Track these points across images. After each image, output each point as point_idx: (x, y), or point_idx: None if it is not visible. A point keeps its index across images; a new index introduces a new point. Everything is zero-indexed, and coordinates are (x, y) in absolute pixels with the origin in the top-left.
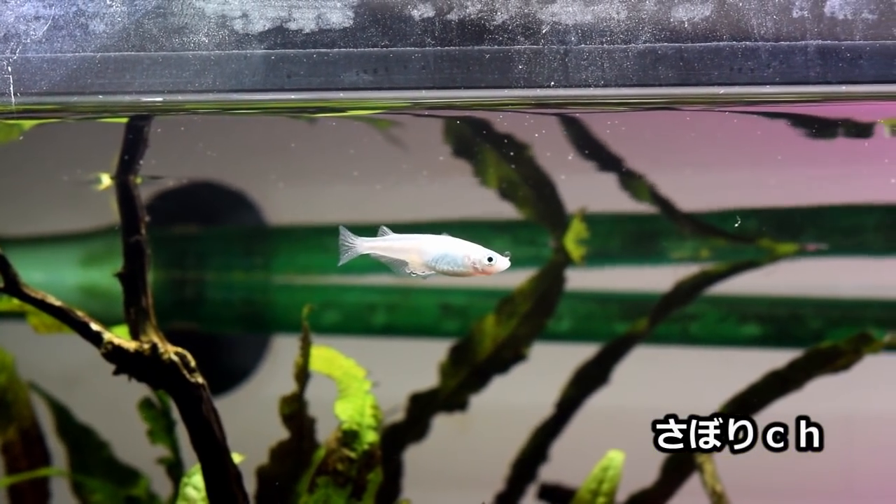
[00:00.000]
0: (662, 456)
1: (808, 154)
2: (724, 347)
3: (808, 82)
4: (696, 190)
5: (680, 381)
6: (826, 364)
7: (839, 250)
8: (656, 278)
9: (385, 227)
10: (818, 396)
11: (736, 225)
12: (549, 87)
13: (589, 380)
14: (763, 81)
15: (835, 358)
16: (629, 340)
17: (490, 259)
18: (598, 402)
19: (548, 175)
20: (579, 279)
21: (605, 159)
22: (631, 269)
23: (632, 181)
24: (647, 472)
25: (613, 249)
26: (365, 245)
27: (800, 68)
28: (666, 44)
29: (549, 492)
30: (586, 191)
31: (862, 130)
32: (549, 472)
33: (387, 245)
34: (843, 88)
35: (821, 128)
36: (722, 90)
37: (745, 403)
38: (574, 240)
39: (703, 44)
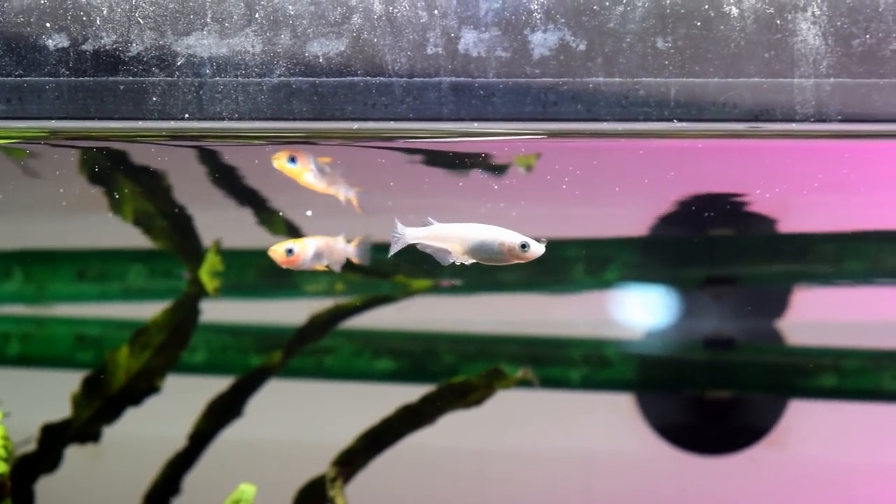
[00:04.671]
0: (295, 488)
1: (444, 190)
2: (359, 381)
3: (442, 118)
4: (332, 224)
5: (314, 414)
6: (459, 399)
7: (474, 286)
8: (291, 311)
9: (430, 218)
10: (451, 431)
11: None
12: (183, 119)
13: (223, 412)
14: (397, 117)
15: (467, 393)
16: (263, 373)
17: (524, 245)
18: (231, 435)
19: (183, 207)
20: (214, 311)
21: (242, 192)
22: (266, 302)
23: (267, 214)
24: None
25: (249, 282)
26: (412, 234)
27: (433, 104)
28: (301, 78)
29: None
30: (223, 223)
31: (496, 167)
32: None
33: (431, 234)
34: (476, 125)
35: (456, 164)
36: (356, 125)
37: (379, 437)
38: (209, 272)
39: (337, 78)
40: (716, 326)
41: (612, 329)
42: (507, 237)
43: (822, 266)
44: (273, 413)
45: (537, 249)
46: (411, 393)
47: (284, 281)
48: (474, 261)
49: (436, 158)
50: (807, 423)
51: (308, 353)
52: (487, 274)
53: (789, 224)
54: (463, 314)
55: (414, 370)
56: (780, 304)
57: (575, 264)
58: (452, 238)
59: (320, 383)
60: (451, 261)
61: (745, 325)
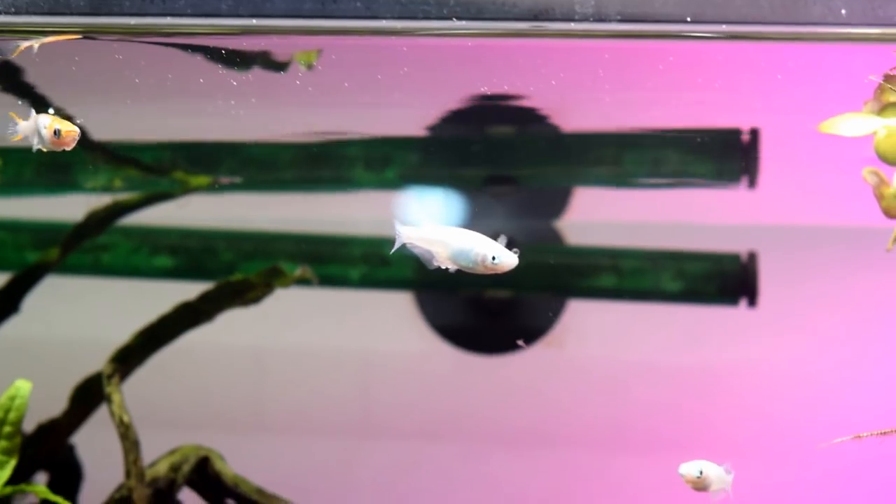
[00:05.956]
0: (71, 385)
1: (224, 87)
2: (137, 278)
3: (220, 15)
4: (109, 120)
5: (92, 311)
6: (237, 297)
7: (253, 184)
8: (69, 208)
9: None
10: (229, 328)
11: None
12: None
13: None
14: (175, 13)
15: (246, 291)
16: (40, 269)
17: (494, 258)
18: (7, 332)
19: None
20: None
21: (20, 88)
22: (44, 198)
23: (45, 110)
24: (57, 401)
25: (26, 178)
26: (407, 234)
27: (212, 1)
28: None
29: None
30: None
31: (278, 65)
32: None
33: (421, 236)
34: (255, 22)
35: (237, 61)
36: (134, 20)
37: (156, 335)
38: None
39: None
40: (495, 226)
41: (391, 228)
42: (480, 247)
43: (601, 166)
44: (50, 310)
45: (508, 261)
46: (189, 290)
47: (62, 177)
48: (458, 268)
49: (210, 54)
50: (585, 322)
51: (85, 249)
52: (267, 172)
53: (569, 124)
54: (242, 212)
55: (192, 268)
56: (559, 204)
57: (354, 163)
58: (437, 242)
59: (97, 280)
60: (436, 265)
61: (524, 224)
